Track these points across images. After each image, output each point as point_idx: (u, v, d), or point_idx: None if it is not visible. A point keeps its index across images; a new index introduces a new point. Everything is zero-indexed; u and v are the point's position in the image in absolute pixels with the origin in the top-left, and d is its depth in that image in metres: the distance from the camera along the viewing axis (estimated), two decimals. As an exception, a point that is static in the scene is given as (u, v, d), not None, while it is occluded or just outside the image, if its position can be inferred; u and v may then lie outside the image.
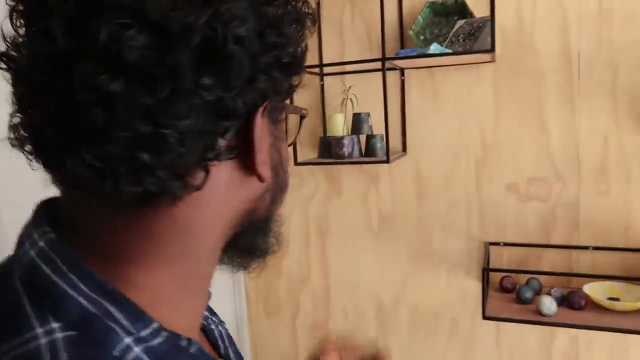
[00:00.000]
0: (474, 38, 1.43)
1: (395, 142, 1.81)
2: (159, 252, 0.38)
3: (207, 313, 0.53)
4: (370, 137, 1.67)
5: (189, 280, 0.40)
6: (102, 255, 0.37)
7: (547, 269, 1.71)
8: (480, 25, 1.47)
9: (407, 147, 1.81)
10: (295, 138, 0.50)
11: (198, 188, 0.37)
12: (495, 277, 1.73)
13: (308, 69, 1.76)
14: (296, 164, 1.68)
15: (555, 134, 1.65)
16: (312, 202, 1.97)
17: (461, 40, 1.48)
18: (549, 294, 1.55)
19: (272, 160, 0.42)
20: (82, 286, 0.35)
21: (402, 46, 1.77)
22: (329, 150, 1.71)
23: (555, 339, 1.72)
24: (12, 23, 0.34)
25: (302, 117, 0.47)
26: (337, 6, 1.85)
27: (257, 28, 0.35)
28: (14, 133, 0.35)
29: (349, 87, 1.75)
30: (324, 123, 1.88)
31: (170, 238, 0.38)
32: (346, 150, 1.57)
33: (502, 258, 1.76)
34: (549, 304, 1.47)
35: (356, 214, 1.92)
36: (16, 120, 0.35)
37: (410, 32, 1.68)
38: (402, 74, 1.77)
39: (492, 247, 1.75)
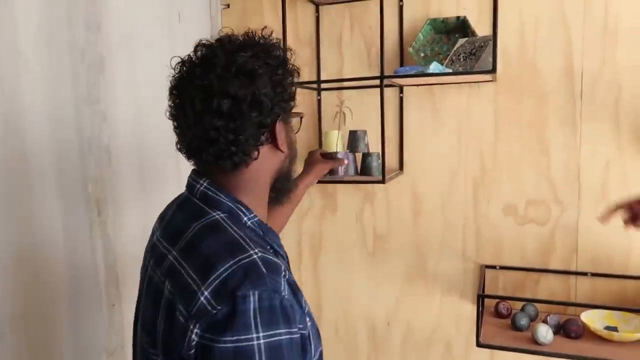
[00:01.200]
0: (475, 58, 1.40)
1: (392, 160, 1.77)
2: (247, 187, 0.83)
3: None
4: (366, 156, 1.64)
5: (260, 200, 0.87)
6: (226, 190, 0.82)
7: (544, 293, 1.66)
8: (482, 44, 1.43)
9: (404, 165, 1.77)
10: (298, 130, 0.96)
11: (256, 158, 0.81)
12: (490, 301, 1.69)
13: (305, 85, 1.72)
14: (290, 180, 1.65)
15: (555, 156, 1.61)
16: (306, 218, 1.93)
17: (462, 59, 1.44)
18: (545, 321, 1.51)
19: (288, 142, 0.86)
20: (226, 199, 0.81)
21: (402, 63, 1.73)
22: (324, 167, 1.68)
23: (551, 367, 1.68)
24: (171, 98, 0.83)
25: (301, 118, 1.01)
26: (337, 22, 1.82)
27: (272, 87, 0.79)
28: (177, 146, 0.85)
29: (342, 101, 1.71)
30: (320, 139, 1.84)
31: (250, 182, 0.83)
32: (341, 168, 1.53)
33: (498, 281, 1.71)
34: (544, 333, 1.43)
35: (351, 231, 1.88)
36: (177, 141, 0.84)
37: (410, 50, 1.64)
38: (401, 91, 1.74)
39: (488, 270, 1.70)
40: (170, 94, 0.82)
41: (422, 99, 1.74)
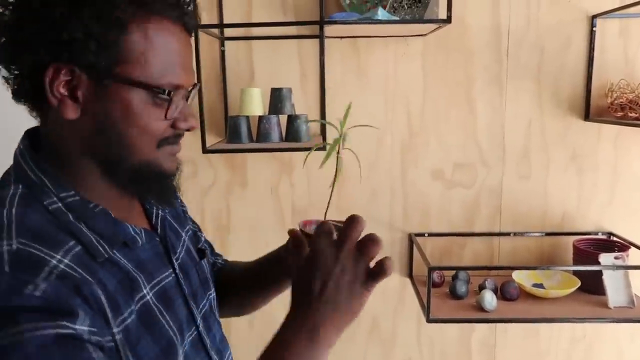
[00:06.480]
0: (422, 5, 1.24)
1: (313, 123, 1.55)
2: (56, 151, 0.62)
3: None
4: (293, 118, 1.40)
5: (85, 176, 0.63)
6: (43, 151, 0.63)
7: (470, 256, 1.64)
8: (426, -9, 1.28)
9: (326, 129, 1.57)
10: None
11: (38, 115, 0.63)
12: (420, 269, 1.61)
13: (203, 29, 1.40)
14: (204, 151, 1.34)
15: (482, 117, 1.56)
16: (209, 194, 1.62)
17: (406, 7, 1.27)
18: (484, 286, 1.47)
19: (92, 111, 0.59)
20: (31, 165, 0.60)
21: (322, 11, 1.50)
22: (239, 133, 1.39)
23: (475, 328, 1.68)
24: None
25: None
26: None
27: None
28: None
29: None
30: (225, 99, 1.54)
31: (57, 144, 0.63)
32: (274, 133, 1.27)
33: (426, 249, 1.64)
34: (490, 299, 1.39)
35: (265, 207, 1.63)
36: None
37: (337, -6, 1.43)
38: (322, 44, 1.52)
39: (416, 239, 1.62)
40: None
41: (345, 53, 1.54)
